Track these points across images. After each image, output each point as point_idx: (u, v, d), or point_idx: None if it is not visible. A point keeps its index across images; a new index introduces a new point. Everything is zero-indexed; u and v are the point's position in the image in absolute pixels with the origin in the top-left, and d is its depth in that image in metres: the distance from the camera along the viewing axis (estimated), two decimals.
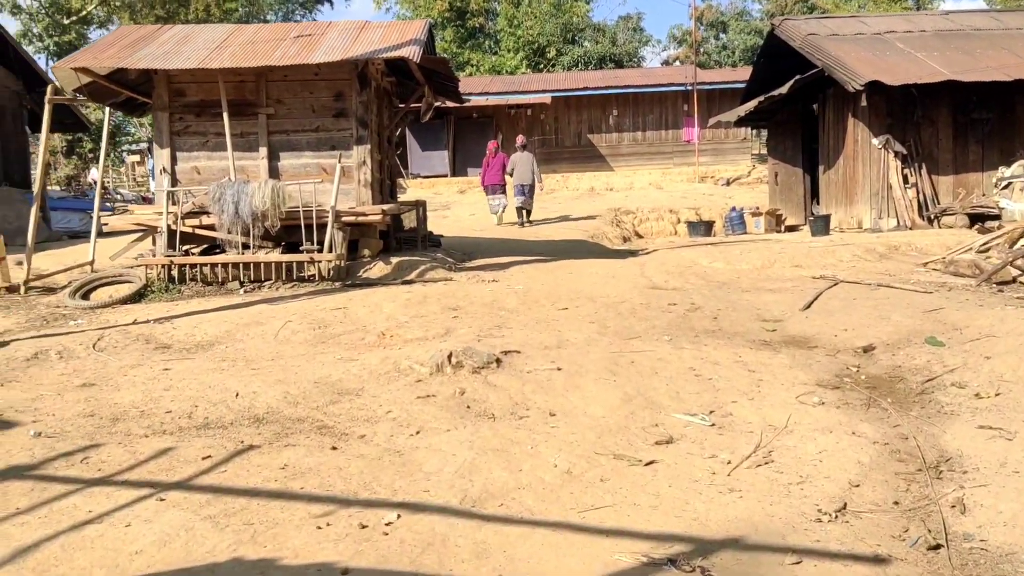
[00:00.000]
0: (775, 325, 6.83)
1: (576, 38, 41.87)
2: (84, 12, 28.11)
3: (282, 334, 6.72)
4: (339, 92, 9.83)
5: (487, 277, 9.54)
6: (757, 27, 42.54)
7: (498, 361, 5.46)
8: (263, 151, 9.78)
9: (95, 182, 27.23)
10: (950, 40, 14.40)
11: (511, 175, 17.48)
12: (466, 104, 27.02)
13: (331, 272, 9.03)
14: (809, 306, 7.31)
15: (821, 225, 13.81)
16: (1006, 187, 12.65)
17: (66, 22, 27.76)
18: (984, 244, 9.36)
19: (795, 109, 16.66)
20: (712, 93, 28.57)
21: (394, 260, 9.72)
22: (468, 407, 4.76)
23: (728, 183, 25.50)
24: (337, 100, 9.85)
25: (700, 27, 40.23)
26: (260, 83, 9.74)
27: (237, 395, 4.97)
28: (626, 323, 6.94)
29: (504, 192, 17.74)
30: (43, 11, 28.08)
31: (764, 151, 28.49)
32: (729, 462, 3.92)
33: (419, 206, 11.94)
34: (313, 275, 9.04)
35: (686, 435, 4.31)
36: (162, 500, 3.43)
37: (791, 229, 16.77)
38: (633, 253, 13.41)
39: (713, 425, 4.46)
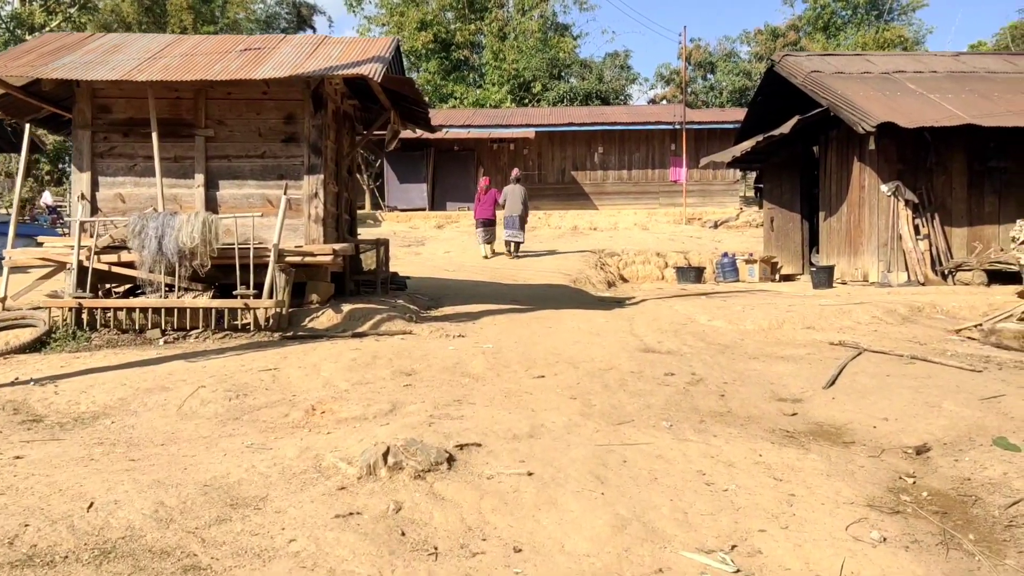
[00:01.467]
0: (795, 407, 5.62)
1: (562, 74, 41.14)
2: (48, 28, 26.82)
3: (188, 405, 5.41)
4: (290, 114, 8.62)
5: (452, 331, 8.27)
6: (745, 68, 42.12)
7: (450, 460, 4.17)
8: (200, 178, 8.51)
9: (48, 206, 25.74)
10: (964, 82, 13.40)
11: (502, 207, 18.04)
12: (447, 136, 26.03)
13: (270, 321, 7.72)
14: (834, 382, 6.10)
15: (824, 277, 12.66)
16: None
17: (28, 38, 26.45)
18: None
19: (794, 151, 15.61)
20: (700, 133, 27.75)
21: (346, 308, 8.42)
22: (403, 534, 3.47)
23: (716, 226, 24.52)
24: (288, 123, 8.63)
25: (688, 67, 39.58)
26: (199, 101, 8.50)
27: (91, 506, 3.65)
28: (615, 399, 5.70)
29: (494, 226, 18.34)
30: (2, 25, 26.72)
31: (752, 194, 27.60)
32: None
33: (380, 245, 10.66)
34: (248, 324, 7.73)
35: None
36: None
37: (787, 278, 15.65)
38: (620, 302, 12.18)
39: (738, 572, 3.21)
